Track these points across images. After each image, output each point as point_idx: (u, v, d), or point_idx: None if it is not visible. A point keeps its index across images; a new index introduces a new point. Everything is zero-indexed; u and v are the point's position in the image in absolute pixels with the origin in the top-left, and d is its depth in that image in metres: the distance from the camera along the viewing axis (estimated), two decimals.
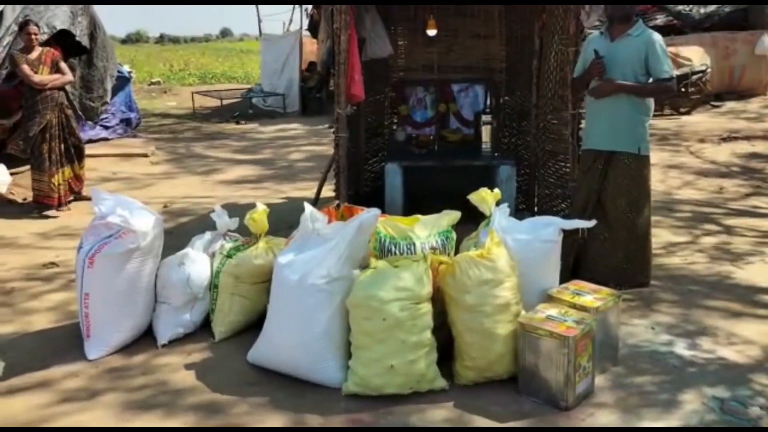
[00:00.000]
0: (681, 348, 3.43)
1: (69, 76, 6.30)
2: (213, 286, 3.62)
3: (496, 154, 5.23)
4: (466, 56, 5.78)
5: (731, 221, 5.56)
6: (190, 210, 6.28)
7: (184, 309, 3.60)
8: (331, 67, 7.71)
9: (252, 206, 3.66)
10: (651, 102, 4.07)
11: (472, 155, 5.21)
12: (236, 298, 3.59)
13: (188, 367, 3.32)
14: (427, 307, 3.00)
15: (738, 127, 9.65)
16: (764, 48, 11.61)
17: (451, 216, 3.44)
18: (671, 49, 7.43)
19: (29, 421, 2.90)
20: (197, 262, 3.62)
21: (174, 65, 27.34)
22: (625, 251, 4.07)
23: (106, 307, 3.40)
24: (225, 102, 14.15)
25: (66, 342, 3.58)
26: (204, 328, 3.66)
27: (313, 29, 14.96)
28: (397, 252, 3.26)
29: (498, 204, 3.48)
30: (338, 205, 3.99)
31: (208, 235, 3.82)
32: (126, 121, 10.08)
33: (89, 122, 8.38)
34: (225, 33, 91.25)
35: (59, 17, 7.23)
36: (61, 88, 6.20)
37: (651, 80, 3.97)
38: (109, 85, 8.40)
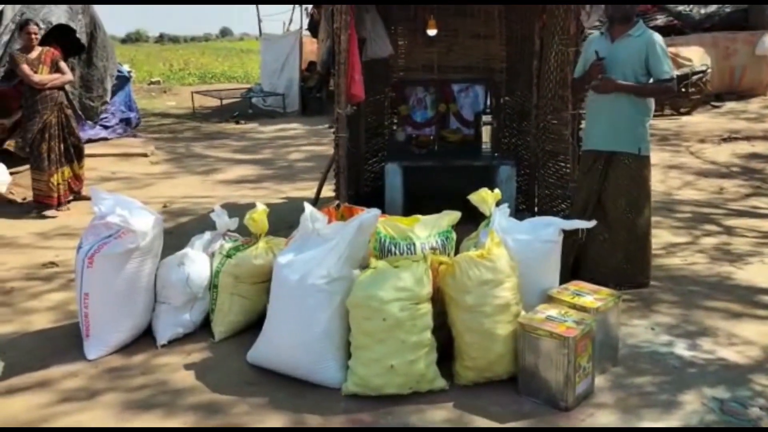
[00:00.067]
0: (681, 348, 3.43)
1: (69, 76, 6.30)
2: (213, 286, 3.62)
3: (496, 154, 5.23)
4: (467, 56, 5.78)
5: (731, 222, 5.56)
6: (189, 210, 6.28)
7: (184, 309, 3.60)
8: (331, 67, 7.70)
9: (252, 206, 3.66)
10: (651, 102, 4.07)
11: (472, 155, 5.21)
12: (236, 298, 3.59)
13: (188, 367, 3.32)
14: (427, 308, 3.00)
15: (738, 128, 9.65)
16: (765, 48, 11.60)
17: (451, 216, 3.44)
18: (671, 49, 7.43)
19: (29, 420, 2.89)
20: (197, 262, 3.62)
21: (174, 65, 27.33)
22: (625, 252, 4.07)
23: (106, 307, 3.40)
24: (225, 102, 14.15)
25: (65, 342, 3.57)
26: (204, 328, 3.66)
27: (313, 29, 14.95)
28: (397, 252, 3.26)
29: (498, 204, 3.48)
30: (338, 205, 3.99)
31: (207, 235, 3.82)
32: (126, 121, 10.07)
33: (89, 122, 8.37)
34: (225, 32, 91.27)
35: (55, 13, 7.23)
36: (61, 88, 6.20)
37: (651, 81, 3.97)
38: (108, 85, 8.40)
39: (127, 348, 3.49)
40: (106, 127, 9.57)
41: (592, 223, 3.61)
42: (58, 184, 6.17)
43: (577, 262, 4.14)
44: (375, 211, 3.21)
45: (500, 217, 3.43)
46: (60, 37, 7.18)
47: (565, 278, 3.52)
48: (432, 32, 5.53)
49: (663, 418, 2.83)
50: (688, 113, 10.95)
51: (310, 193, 6.12)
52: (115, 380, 3.20)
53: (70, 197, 6.41)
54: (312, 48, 14.69)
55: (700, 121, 10.49)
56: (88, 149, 7.24)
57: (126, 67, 10.75)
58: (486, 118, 5.22)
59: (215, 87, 17.93)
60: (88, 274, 3.37)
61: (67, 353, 3.44)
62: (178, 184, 7.51)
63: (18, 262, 4.85)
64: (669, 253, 4.81)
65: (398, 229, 3.33)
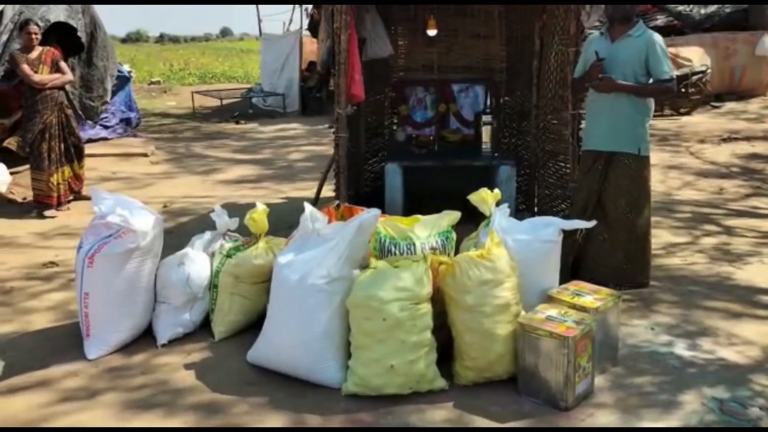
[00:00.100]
0: (681, 348, 3.43)
1: (69, 76, 6.30)
2: (213, 285, 3.62)
3: (496, 154, 5.23)
4: (467, 56, 5.78)
5: (731, 222, 5.56)
6: (189, 210, 6.28)
7: (184, 309, 3.60)
8: (332, 67, 7.70)
9: (252, 206, 3.66)
10: (651, 102, 4.07)
11: (472, 155, 5.21)
12: (236, 298, 3.59)
13: (188, 366, 3.32)
14: (427, 308, 3.00)
15: (738, 128, 9.65)
16: (764, 48, 11.60)
17: (451, 216, 3.44)
18: (671, 49, 7.43)
19: (29, 420, 2.90)
20: (197, 262, 3.62)
21: (174, 65, 27.32)
22: (625, 252, 4.07)
23: (106, 307, 3.40)
24: (225, 102, 14.15)
25: (66, 341, 3.58)
26: (204, 327, 3.66)
27: (313, 29, 14.95)
28: (397, 252, 3.26)
29: (498, 204, 3.48)
30: (338, 205, 3.99)
31: (207, 234, 3.82)
32: (126, 121, 10.08)
33: (89, 122, 8.37)
34: (225, 32, 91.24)
35: (54, 11, 7.23)
36: (61, 88, 6.20)
37: (651, 81, 3.97)
38: (109, 85, 8.40)
39: (127, 348, 3.49)
40: (106, 127, 9.58)
41: (592, 223, 3.61)
42: (58, 183, 6.18)
43: (577, 262, 4.15)
44: (375, 211, 3.21)
45: (500, 217, 3.43)
46: (60, 37, 7.19)
47: (565, 278, 3.53)
48: (432, 32, 5.53)
49: (663, 418, 2.83)
50: (687, 113, 10.95)
51: (310, 193, 6.12)
52: (115, 380, 3.20)
53: (71, 197, 6.41)
54: (312, 48, 14.70)
55: (699, 121, 10.49)
56: (89, 149, 7.24)
57: (126, 67, 10.76)
58: (486, 118, 5.22)
59: (215, 87, 17.93)
60: (89, 273, 3.37)
61: (67, 353, 3.45)
62: (178, 184, 7.51)
63: (18, 262, 4.85)
64: (669, 253, 4.81)
65: (398, 229, 3.33)
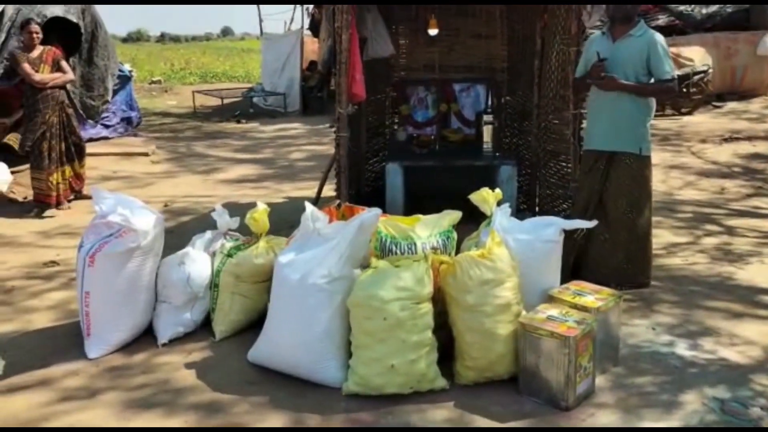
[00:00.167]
0: (682, 348, 3.43)
1: (70, 75, 6.30)
2: (213, 285, 3.62)
3: (497, 154, 5.23)
4: (468, 56, 5.78)
5: (732, 222, 5.55)
6: (190, 209, 6.28)
7: (185, 308, 3.60)
8: (333, 67, 7.71)
9: (253, 205, 3.66)
10: (652, 102, 4.07)
11: (474, 155, 5.21)
12: (237, 298, 3.59)
13: (189, 366, 3.32)
14: (427, 307, 3.00)
15: (739, 128, 9.64)
16: (766, 48, 11.59)
17: (452, 216, 3.44)
18: (673, 49, 7.42)
19: (30, 419, 2.90)
20: (198, 261, 3.62)
21: (175, 64, 27.35)
22: (626, 252, 4.07)
23: (107, 306, 3.40)
24: (226, 101, 14.15)
25: (66, 341, 3.58)
26: (204, 327, 3.67)
27: (314, 28, 14.96)
28: (398, 252, 3.26)
29: (499, 204, 3.48)
30: (339, 205, 3.99)
31: (208, 234, 3.82)
32: (127, 120, 10.08)
33: (90, 121, 8.38)
34: (226, 32, 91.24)
35: (50, 8, 7.23)
36: (62, 87, 6.20)
37: (652, 80, 3.97)
38: (110, 84, 8.41)
39: (127, 347, 3.49)
40: (107, 126, 9.59)
41: (593, 223, 3.61)
42: (58, 183, 6.18)
43: (578, 262, 4.14)
44: (376, 211, 3.21)
45: (501, 217, 3.43)
46: (61, 36, 7.19)
47: (565, 278, 3.52)
48: (433, 32, 5.53)
49: (664, 418, 2.83)
50: (689, 113, 10.95)
51: (311, 193, 6.12)
52: (115, 379, 3.20)
53: (71, 196, 6.41)
54: (313, 47, 14.71)
55: (701, 121, 10.48)
56: (90, 148, 7.24)
57: (127, 67, 10.75)
58: (487, 117, 5.21)
59: (216, 86, 17.95)
60: (89, 273, 3.37)
61: (67, 352, 3.45)
62: (179, 183, 7.52)
63: (19, 261, 4.85)
64: (670, 253, 4.81)
65: (399, 228, 3.33)
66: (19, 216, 6.07)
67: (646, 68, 3.93)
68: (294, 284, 3.10)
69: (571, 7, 4.34)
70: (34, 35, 6.04)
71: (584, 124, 4.33)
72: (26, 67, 5.93)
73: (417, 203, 4.46)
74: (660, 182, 6.66)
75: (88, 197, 5.82)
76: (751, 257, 4.70)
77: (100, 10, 8.19)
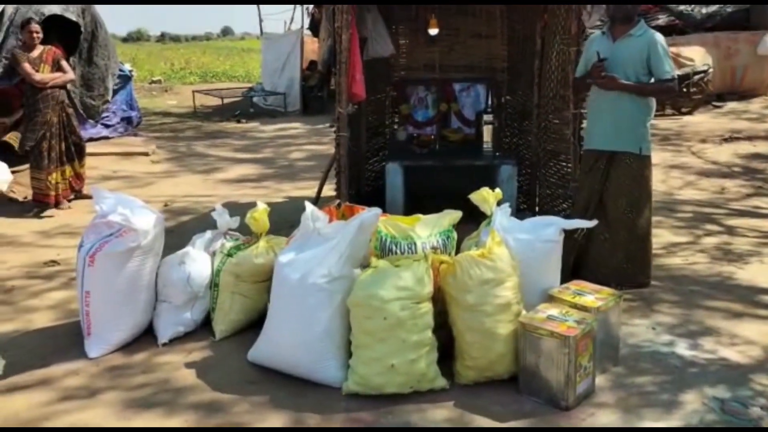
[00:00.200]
0: (682, 348, 3.43)
1: (70, 75, 6.30)
2: (213, 284, 3.62)
3: (497, 153, 5.23)
4: (468, 56, 5.78)
5: (733, 222, 5.55)
6: (190, 209, 6.28)
7: (185, 307, 3.60)
8: (333, 66, 7.71)
9: (253, 205, 3.66)
10: (653, 102, 4.07)
11: (474, 155, 5.21)
12: (237, 297, 3.59)
13: (189, 365, 3.32)
14: (427, 307, 3.00)
15: (740, 128, 9.64)
16: (766, 48, 11.58)
17: (452, 215, 3.44)
18: (673, 49, 7.42)
19: (30, 419, 2.90)
20: (198, 261, 3.62)
21: (175, 64, 27.34)
22: (626, 251, 4.07)
23: (107, 306, 3.40)
24: (226, 101, 14.15)
25: (67, 340, 3.58)
26: (204, 326, 3.67)
27: (314, 28, 14.96)
28: (398, 251, 3.26)
29: (499, 204, 3.48)
30: (339, 205, 3.99)
31: (208, 233, 3.82)
32: (127, 120, 10.08)
33: (90, 120, 8.38)
34: (226, 32, 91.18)
35: (48, 6, 7.23)
36: (63, 87, 6.20)
37: (652, 80, 3.97)
38: (110, 84, 8.40)
39: (128, 346, 3.49)
40: (107, 126, 9.59)
41: (593, 223, 3.61)
42: (57, 183, 6.17)
43: (578, 261, 4.14)
44: (376, 211, 3.21)
45: (501, 217, 3.43)
46: (61, 36, 7.19)
47: (566, 278, 3.52)
48: (433, 31, 5.53)
49: (664, 418, 2.83)
50: (689, 113, 10.95)
51: (311, 192, 6.12)
52: (116, 379, 3.21)
53: (72, 196, 6.41)
54: (313, 47, 14.70)
55: (701, 121, 10.48)
56: (90, 148, 7.25)
57: (127, 66, 10.75)
58: (487, 117, 5.21)
59: (216, 86, 17.94)
60: (90, 272, 3.37)
61: (68, 351, 3.45)
62: (179, 182, 7.52)
63: (19, 261, 4.85)
64: (670, 252, 4.81)
65: (399, 228, 3.33)
66: (20, 216, 6.07)
67: (647, 68, 3.93)
68: (294, 284, 3.11)
69: (571, 6, 4.34)
70: (35, 35, 6.04)
71: (584, 124, 4.33)
72: (26, 66, 5.93)
73: (417, 203, 4.46)
74: (660, 182, 6.66)
75: (89, 197, 5.82)
76: (751, 257, 4.70)
77: (101, 9, 8.20)
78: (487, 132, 5.19)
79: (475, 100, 5.75)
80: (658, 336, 3.56)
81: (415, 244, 3.28)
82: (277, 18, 35.58)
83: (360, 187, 5.41)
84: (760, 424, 2.79)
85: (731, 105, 11.51)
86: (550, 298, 3.22)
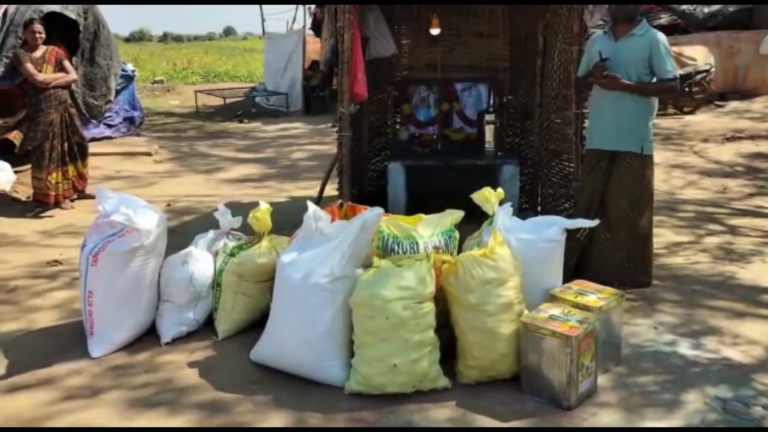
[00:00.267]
0: (684, 348, 3.43)
1: (73, 75, 6.31)
2: (216, 284, 3.63)
3: (499, 153, 5.23)
4: (470, 55, 5.78)
5: (735, 221, 5.55)
6: (193, 208, 6.29)
7: (188, 307, 3.61)
8: (335, 66, 7.70)
9: (255, 205, 3.67)
10: (655, 101, 4.07)
11: (475, 154, 5.21)
12: (239, 297, 3.60)
13: (191, 365, 3.33)
14: (430, 306, 3.00)
15: (742, 127, 9.63)
16: None
17: (454, 215, 3.45)
18: (675, 48, 7.42)
19: (33, 418, 2.91)
20: (200, 261, 3.63)
21: (177, 64, 27.34)
22: (627, 251, 4.07)
23: (110, 305, 3.41)
24: (228, 101, 14.16)
25: (69, 340, 3.59)
26: (207, 326, 3.67)
27: (317, 28, 14.95)
28: (400, 251, 3.26)
29: (501, 203, 3.49)
30: (341, 204, 3.99)
31: (211, 233, 3.83)
32: (129, 120, 10.09)
33: (93, 120, 8.38)
34: (228, 32, 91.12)
35: (47, 6, 7.24)
36: (65, 87, 6.21)
37: (654, 80, 3.97)
38: (113, 84, 8.40)
39: (130, 346, 3.50)
40: (110, 126, 9.60)
41: (594, 222, 3.61)
42: (57, 182, 6.17)
43: (581, 261, 4.14)
44: (378, 210, 3.22)
45: (503, 216, 3.43)
46: (63, 36, 7.20)
47: (568, 278, 3.52)
48: (435, 31, 5.53)
49: (666, 418, 2.83)
50: (691, 112, 10.93)
51: (313, 192, 6.13)
52: (118, 378, 3.21)
53: (74, 196, 6.42)
54: (315, 47, 14.70)
55: (703, 120, 10.47)
56: (92, 148, 7.25)
57: (130, 66, 10.77)
58: (489, 117, 5.21)
59: (219, 86, 17.95)
60: (92, 272, 3.38)
61: (71, 351, 3.46)
62: (181, 182, 7.53)
63: (22, 260, 4.86)
64: (672, 252, 4.80)
65: (401, 228, 3.34)
66: (22, 215, 6.08)
67: (648, 68, 3.93)
68: (296, 283, 3.11)
69: (573, 6, 4.34)
70: (37, 35, 6.04)
71: (586, 124, 4.33)
72: (29, 66, 5.94)
73: (419, 202, 4.46)
74: (662, 181, 6.66)
75: (92, 197, 5.83)
76: (754, 256, 4.70)
77: (103, 9, 8.20)
78: (489, 132, 5.18)
79: (477, 99, 5.74)
80: (660, 336, 3.56)
81: (417, 243, 3.28)
82: (280, 18, 35.69)
83: (362, 187, 5.41)
84: (763, 423, 2.79)
85: (733, 104, 11.49)
86: (552, 298, 3.23)
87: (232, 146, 9.94)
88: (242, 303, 3.61)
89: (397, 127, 5.89)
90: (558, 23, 4.69)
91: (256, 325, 3.56)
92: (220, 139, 10.59)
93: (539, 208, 5.31)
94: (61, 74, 6.11)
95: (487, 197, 3.46)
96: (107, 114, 9.02)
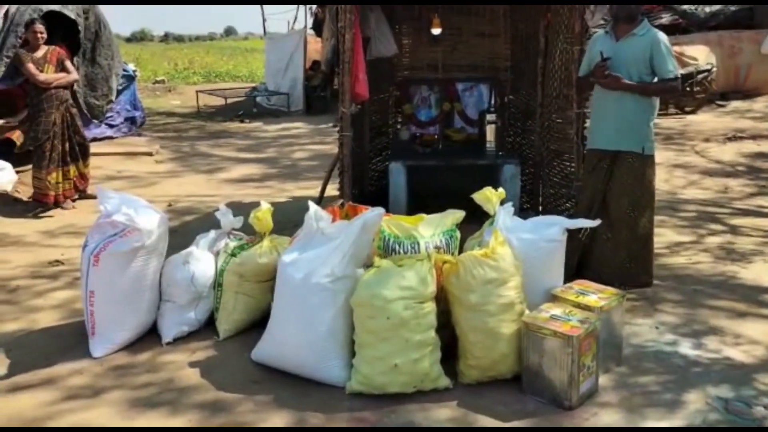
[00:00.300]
0: (685, 348, 3.42)
1: (74, 75, 6.31)
2: (217, 284, 3.63)
3: (500, 153, 5.23)
4: (471, 55, 5.78)
5: (736, 221, 5.54)
6: (194, 208, 6.29)
7: (189, 307, 3.61)
8: (336, 66, 7.71)
9: (256, 205, 3.67)
10: (656, 101, 4.06)
11: (477, 154, 5.21)
12: (240, 297, 3.60)
13: (193, 365, 3.33)
14: (431, 306, 3.00)
15: (743, 127, 9.63)
16: None
17: (456, 215, 3.44)
18: (676, 48, 7.42)
19: (35, 418, 2.91)
20: (202, 261, 3.63)
21: (178, 64, 27.35)
22: (628, 251, 4.07)
23: (111, 305, 3.41)
24: (229, 101, 14.16)
25: (71, 339, 3.59)
26: (208, 326, 3.67)
27: (318, 28, 14.96)
28: (401, 251, 3.26)
29: (502, 203, 3.48)
30: (342, 204, 3.99)
31: (212, 233, 3.83)
32: (131, 120, 10.10)
33: (94, 120, 8.39)
34: (229, 32, 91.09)
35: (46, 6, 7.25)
36: (67, 87, 6.21)
37: (656, 80, 3.96)
38: (114, 84, 8.41)
39: (132, 346, 3.50)
40: (111, 126, 9.60)
41: (595, 222, 3.60)
42: (57, 182, 6.17)
43: (582, 261, 4.14)
44: (379, 210, 3.22)
45: (504, 216, 3.43)
46: (64, 36, 7.20)
47: (569, 278, 3.52)
48: (436, 31, 5.53)
49: (667, 418, 2.83)
50: (692, 112, 10.93)
51: (315, 192, 6.12)
52: (120, 378, 3.22)
53: (76, 196, 6.43)
54: (316, 47, 14.70)
55: (704, 120, 10.46)
56: (94, 148, 7.26)
57: (131, 66, 10.77)
58: (490, 117, 5.21)
59: (220, 86, 17.94)
60: (94, 272, 3.38)
61: (72, 351, 3.46)
62: (183, 182, 7.53)
63: (24, 260, 4.87)
64: (673, 252, 4.80)
65: (402, 228, 3.34)
66: (24, 215, 6.09)
67: (650, 67, 3.93)
68: (297, 283, 3.11)
69: (575, 6, 4.34)
70: (39, 35, 6.05)
71: (588, 124, 4.33)
72: (30, 67, 5.95)
73: (420, 202, 4.46)
74: (663, 181, 6.65)
75: (93, 197, 5.83)
76: (755, 256, 4.70)
77: (104, 9, 8.21)
78: (490, 131, 5.19)
79: (478, 99, 5.75)
80: (661, 335, 3.56)
81: (418, 243, 3.28)
82: (281, 18, 35.69)
83: (363, 187, 5.41)
84: (764, 423, 2.79)
85: (735, 104, 11.49)
86: (554, 298, 3.22)
87: (233, 146, 9.95)
88: (243, 303, 3.61)
89: (399, 127, 5.89)
90: (559, 23, 4.69)
91: (257, 325, 3.56)
92: (222, 139, 10.59)
93: (540, 208, 5.31)
94: (62, 74, 6.11)
95: (488, 197, 3.46)
96: (108, 114, 9.02)
